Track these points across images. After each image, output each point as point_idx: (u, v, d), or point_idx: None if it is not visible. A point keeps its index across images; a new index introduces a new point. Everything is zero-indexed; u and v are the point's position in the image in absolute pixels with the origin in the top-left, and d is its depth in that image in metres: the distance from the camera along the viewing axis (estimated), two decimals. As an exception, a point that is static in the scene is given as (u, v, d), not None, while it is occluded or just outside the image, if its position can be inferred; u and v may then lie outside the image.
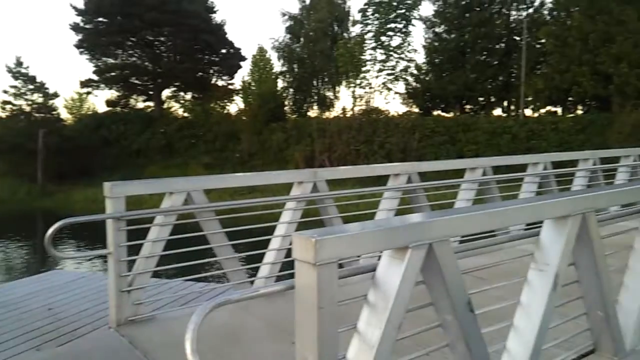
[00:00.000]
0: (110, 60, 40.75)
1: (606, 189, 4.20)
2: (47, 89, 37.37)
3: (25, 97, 36.72)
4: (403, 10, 35.22)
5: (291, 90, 40.47)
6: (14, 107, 36.38)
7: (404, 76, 36.92)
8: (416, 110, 38.26)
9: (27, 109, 36.66)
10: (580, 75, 28.97)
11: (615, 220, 4.71)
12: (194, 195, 4.95)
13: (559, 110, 35.57)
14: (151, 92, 41.88)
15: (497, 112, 38.49)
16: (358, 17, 36.60)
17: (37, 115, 36.41)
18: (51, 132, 34.15)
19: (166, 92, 43.08)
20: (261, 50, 39.06)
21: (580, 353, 3.55)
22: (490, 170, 7.25)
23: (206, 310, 2.11)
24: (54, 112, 38.07)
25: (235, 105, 42.80)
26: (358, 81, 35.17)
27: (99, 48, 39.69)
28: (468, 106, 38.06)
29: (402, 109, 41.04)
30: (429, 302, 2.59)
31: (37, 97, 37.00)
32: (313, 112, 40.41)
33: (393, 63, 35.91)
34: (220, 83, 43.59)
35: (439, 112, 38.16)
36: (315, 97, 40.98)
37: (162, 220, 4.77)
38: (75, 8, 38.98)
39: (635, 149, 10.48)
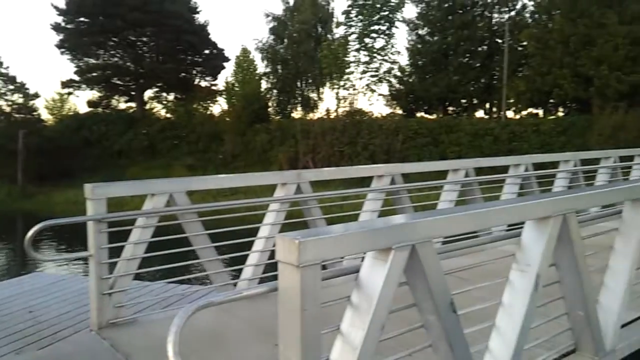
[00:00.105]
0: (92, 61, 40.35)
1: (587, 190, 4.25)
2: (27, 89, 36.97)
3: (5, 97, 36.32)
4: (386, 13, 35.41)
5: (275, 91, 40.40)
6: (-6, 108, 35.89)
7: (387, 78, 37.16)
8: (399, 111, 38.42)
9: (7, 109, 36.20)
10: (561, 78, 29.31)
11: (596, 221, 4.78)
12: (177, 196, 4.92)
13: (541, 112, 35.99)
14: (133, 93, 41.54)
15: (480, 114, 38.87)
16: (342, 18, 36.78)
17: (17, 115, 35.94)
18: (32, 132, 33.70)
19: (148, 93, 42.81)
20: (245, 51, 38.96)
21: (561, 353, 3.59)
22: (472, 171, 7.30)
23: (189, 312, 2.10)
24: (34, 113, 37.63)
25: (219, 106, 42.70)
26: (342, 83, 35.25)
27: (80, 48, 39.28)
28: (451, 108, 38.31)
29: (385, 110, 41.31)
30: (412, 303, 2.60)
31: (18, 98, 36.58)
32: (297, 114, 40.38)
33: (376, 65, 36.15)
34: (203, 84, 43.43)
35: (422, 113, 38.38)
36: (299, 99, 40.95)
37: (144, 222, 4.74)
38: (56, 8, 38.61)
39: (615, 150, 10.63)
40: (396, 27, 36.28)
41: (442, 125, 32.23)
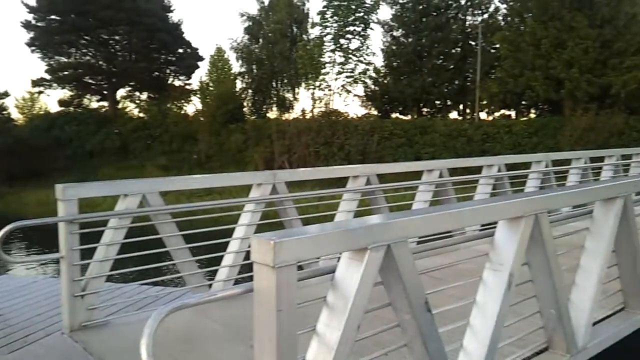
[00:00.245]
0: (63, 59, 39.67)
1: (558, 191, 4.32)
2: (-4, 88, 36.17)
3: (-26, 96, 35.45)
4: (361, 14, 35.56)
5: (250, 91, 40.23)
6: (-38, 107, 35.05)
7: (362, 79, 37.30)
8: (375, 112, 38.61)
9: (-24, 108, 35.40)
10: (533, 80, 29.76)
11: (567, 221, 4.86)
12: (150, 197, 4.86)
13: (513, 113, 36.50)
14: (105, 92, 40.96)
15: (453, 115, 39.24)
16: (317, 19, 36.80)
17: (-14, 115, 35.18)
18: (1, 132, 32.98)
19: (121, 92, 42.28)
20: (219, 51, 38.74)
21: (534, 351, 3.64)
22: (446, 172, 7.37)
23: (162, 314, 2.08)
24: (4, 112, 36.86)
25: (193, 106, 42.33)
26: (317, 83, 35.29)
27: (51, 46, 38.59)
28: (425, 109, 38.61)
29: (361, 111, 41.44)
30: (388, 302, 2.61)
31: (-14, 97, 35.76)
32: (272, 114, 40.29)
33: (352, 66, 36.30)
34: (177, 83, 43.02)
35: (397, 114, 38.60)
36: (275, 99, 40.84)
37: (117, 223, 4.67)
38: (27, 5, 37.84)
39: (586, 151, 10.84)
40: (371, 29, 36.55)
41: (417, 126, 32.50)
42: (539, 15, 29.80)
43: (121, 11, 36.20)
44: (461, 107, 39.54)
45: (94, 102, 41.88)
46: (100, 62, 39.84)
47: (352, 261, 2.35)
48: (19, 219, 4.28)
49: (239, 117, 36.52)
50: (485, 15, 37.94)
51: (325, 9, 35.60)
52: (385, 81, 37.88)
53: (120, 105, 42.06)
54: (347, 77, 36.30)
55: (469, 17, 38.09)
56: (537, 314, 3.62)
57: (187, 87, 42.94)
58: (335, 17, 35.36)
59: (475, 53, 35.19)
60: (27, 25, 38.29)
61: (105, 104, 41.40)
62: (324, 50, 35.22)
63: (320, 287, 2.46)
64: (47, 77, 39.94)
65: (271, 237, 2.04)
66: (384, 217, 3.28)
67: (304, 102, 53.35)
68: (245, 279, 5.14)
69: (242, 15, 41.55)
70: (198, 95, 39.82)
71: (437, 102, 38.24)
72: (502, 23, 35.99)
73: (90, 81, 40.56)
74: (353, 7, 35.13)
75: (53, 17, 37.99)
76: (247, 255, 5.16)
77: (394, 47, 37.54)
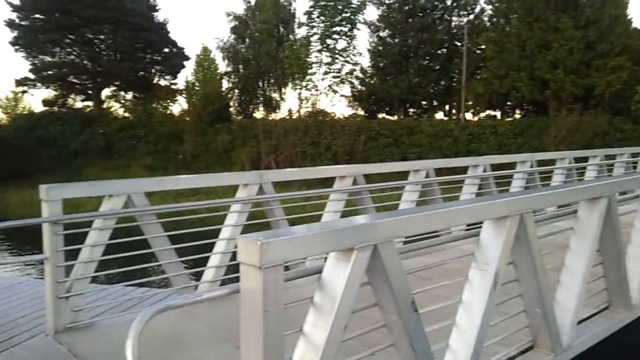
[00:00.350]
0: (48, 58, 39.28)
1: (543, 191, 4.35)
2: (-21, 87, 35.72)
3: (-44, 95, 34.98)
4: (348, 14, 35.58)
5: (236, 91, 40.09)
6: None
7: (349, 79, 37.35)
8: (361, 113, 38.71)
9: (-42, 108, 34.92)
10: (518, 81, 30.00)
11: (552, 221, 4.90)
12: (135, 197, 4.82)
13: (498, 114, 36.79)
14: (90, 92, 40.61)
15: (439, 115, 39.48)
16: (303, 19, 36.77)
17: (-32, 114, 34.72)
18: (-16, 132, 32.60)
19: (106, 92, 41.93)
20: (205, 50, 38.59)
21: (519, 350, 3.67)
22: (433, 172, 7.39)
23: (148, 316, 2.06)
24: (-13, 112, 36.42)
25: (179, 106, 42.12)
26: (304, 83, 35.26)
27: (35, 45, 38.19)
28: (412, 110, 38.77)
29: (347, 111, 41.49)
30: (374, 302, 2.62)
31: (-31, 96, 35.32)
32: (259, 114, 40.18)
33: (339, 66, 36.29)
34: (162, 83, 42.82)
35: (384, 115, 38.73)
36: (261, 99, 40.72)
37: (101, 224, 4.64)
38: (10, 4, 37.44)
39: (570, 152, 10.94)
40: (358, 29, 36.57)
41: (403, 127, 32.63)
42: (524, 16, 30.04)
43: (106, 10, 35.93)
44: (447, 107, 39.77)
45: (78, 102, 41.58)
46: (85, 62, 39.51)
47: (339, 261, 2.35)
48: (3, 219, 4.25)
49: (225, 117, 36.39)
50: (471, 16, 38.22)
51: (311, 9, 35.63)
52: (372, 81, 37.98)
53: (105, 105, 41.74)
54: (333, 77, 36.36)
55: (454, 18, 38.33)
56: (523, 313, 3.64)
57: (173, 86, 42.82)
58: (321, 17, 35.37)
59: (461, 54, 35.40)
60: (10, 24, 37.88)
61: (89, 103, 41.06)
62: (311, 50, 35.22)
63: (307, 287, 2.46)
64: (31, 76, 39.55)
65: (258, 238, 2.03)
66: (371, 217, 3.29)
67: (291, 102, 53.45)
68: (231, 279, 5.12)
69: (229, 14, 41.43)
70: (184, 95, 39.66)
71: (424, 102, 38.42)
72: (488, 24, 36.27)
73: (74, 81, 40.21)
74: (339, 7, 35.16)
75: (37, 16, 37.62)
76: (234, 256, 5.14)
77: (380, 48, 37.65)
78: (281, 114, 38.80)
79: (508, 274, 3.31)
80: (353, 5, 35.66)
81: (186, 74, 47.78)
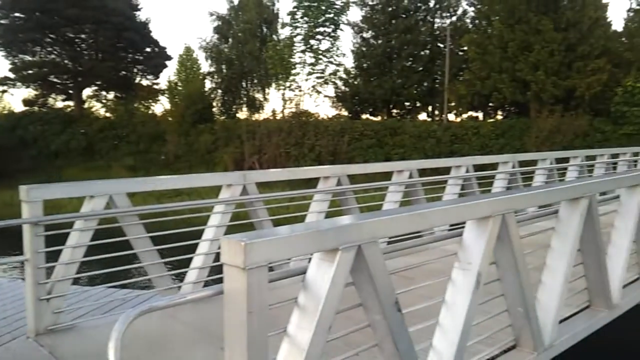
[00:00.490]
0: (28, 58, 38.72)
1: (524, 191, 4.40)
2: (-42, 86, 35.10)
3: None
4: (332, 15, 35.62)
5: (219, 91, 39.90)
6: None
7: (333, 80, 37.38)
8: (345, 113, 38.73)
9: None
10: (500, 82, 30.24)
11: (533, 221, 4.95)
12: (117, 198, 4.78)
13: (480, 115, 37.04)
14: (71, 91, 40.12)
15: (423, 116, 39.61)
16: (287, 19, 36.73)
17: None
18: (-37, 132, 32.07)
19: (87, 91, 41.40)
20: (188, 50, 38.36)
21: (502, 349, 3.70)
22: (416, 172, 7.43)
23: (130, 317, 2.04)
24: (-34, 111, 35.84)
25: (161, 106, 41.78)
26: (288, 84, 35.20)
27: (15, 44, 37.62)
28: (395, 110, 38.87)
29: (331, 112, 41.50)
30: (359, 303, 2.62)
31: (-53, 95, 34.70)
32: (242, 114, 40.01)
33: (322, 66, 36.31)
34: (144, 82, 42.40)
35: (368, 115, 38.79)
36: (245, 99, 40.60)
37: (83, 225, 4.59)
38: (-11, 3, 36.84)
39: (551, 152, 11.07)
40: (341, 30, 36.63)
41: (387, 127, 32.73)
42: (506, 18, 30.29)
43: (87, 9, 35.53)
44: (430, 108, 39.95)
45: (59, 102, 41.03)
46: (66, 61, 39.01)
47: (323, 262, 2.35)
48: (-18, 220, 4.16)
49: (208, 117, 36.19)
50: (454, 18, 38.44)
51: (295, 10, 35.60)
52: (356, 82, 38.03)
53: (86, 105, 41.24)
54: (317, 77, 36.36)
55: (437, 20, 38.52)
56: (505, 313, 3.67)
57: (155, 86, 42.44)
58: (305, 18, 35.37)
59: (443, 55, 35.61)
60: (-10, 22, 37.32)
61: (70, 103, 40.56)
62: (294, 51, 35.18)
63: (291, 288, 2.46)
64: (11, 75, 38.95)
65: (242, 239, 2.02)
66: (355, 217, 3.29)
67: (275, 102, 53.45)
68: (215, 281, 5.09)
69: (211, 14, 41.27)
70: (166, 95, 39.34)
71: (407, 103, 38.56)
72: (470, 26, 36.52)
73: (55, 80, 39.70)
74: (323, 8, 35.19)
75: (17, 14, 37.03)
76: (217, 257, 5.11)
77: (364, 49, 37.72)
78: (265, 114, 38.75)
79: (490, 274, 3.34)
80: (336, 6, 35.73)
81: (168, 74, 47.40)
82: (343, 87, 38.42)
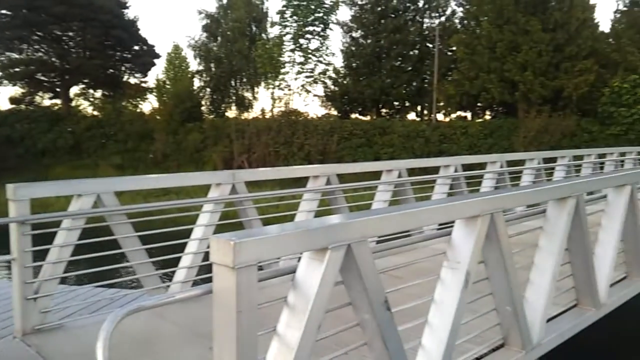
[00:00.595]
0: (15, 55, 38.30)
1: (513, 191, 4.42)
2: (-57, 84, 34.66)
3: None
4: (321, 14, 35.64)
5: (208, 89, 39.78)
6: None
7: (322, 79, 37.40)
8: (334, 113, 38.74)
9: None
10: (489, 82, 30.39)
11: (522, 220, 4.98)
12: (104, 197, 4.75)
13: (469, 115, 37.22)
14: (58, 89, 39.77)
15: (411, 116, 39.72)
16: (276, 18, 36.69)
17: None
18: (-52, 130, 31.68)
19: (74, 90, 41.06)
20: (176, 48, 38.20)
21: (490, 347, 3.71)
22: (405, 172, 7.45)
23: (118, 317, 2.02)
24: (-49, 109, 35.41)
25: (149, 104, 41.55)
26: (277, 82, 35.19)
27: (2, 42, 37.15)
28: (384, 110, 38.95)
29: (320, 111, 41.47)
30: (348, 302, 2.62)
31: None
32: (231, 113, 39.91)
33: (312, 66, 36.34)
34: (132, 81, 42.11)
35: (357, 115, 38.83)
36: (234, 98, 40.51)
37: (70, 224, 4.55)
38: (-25, 0, 36.41)
39: (539, 152, 11.14)
40: (330, 29, 36.70)
41: (376, 127, 32.79)
42: (495, 18, 30.44)
43: (75, 7, 35.24)
44: (419, 108, 40.06)
45: (46, 100, 40.66)
46: (53, 59, 38.68)
47: (312, 261, 2.35)
48: (-32, 219, 4.12)
49: (197, 115, 36.05)
50: (443, 18, 38.57)
51: (284, 9, 35.57)
52: (345, 82, 38.06)
53: (73, 103, 40.90)
54: (306, 77, 36.39)
55: (426, 20, 38.63)
56: (494, 311, 3.69)
57: (143, 84, 42.17)
58: (294, 17, 35.35)
59: (432, 55, 35.72)
60: (-24, 20, 36.90)
61: (58, 101, 40.20)
62: (284, 50, 35.15)
63: (281, 287, 2.45)
64: (-2, 73, 38.59)
65: (231, 238, 2.01)
66: (344, 217, 3.29)
67: (264, 101, 53.19)
68: (203, 280, 5.07)
69: (200, 12, 41.12)
70: (154, 94, 39.13)
71: (396, 103, 38.64)
72: (459, 26, 36.69)
73: (42, 78, 39.34)
74: (312, 7, 35.18)
75: (4, 12, 36.64)
76: (206, 256, 5.09)
77: (353, 48, 37.75)
78: (254, 113, 38.72)
79: (479, 273, 3.35)
80: (326, 6, 35.75)
81: (157, 72, 47.38)
82: (332, 87, 38.44)
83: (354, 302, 2.61)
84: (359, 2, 37.34)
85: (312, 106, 52.54)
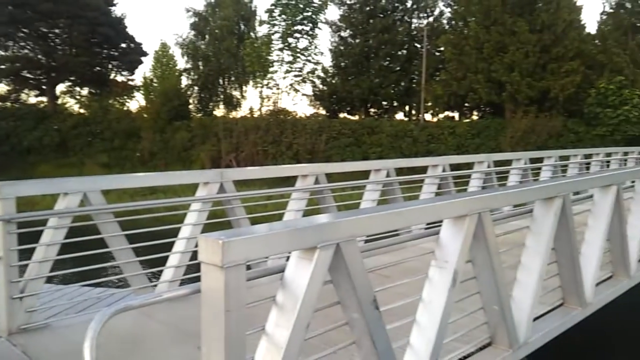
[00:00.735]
0: (0, 52, 37.92)
1: (500, 190, 4.44)
2: None
3: None
4: (309, 13, 35.57)
5: (196, 88, 39.64)
6: None
7: (311, 78, 37.36)
8: (323, 112, 38.77)
9: None
10: (476, 83, 30.58)
11: (509, 220, 5.01)
12: (91, 196, 4.72)
13: (456, 115, 37.43)
14: (44, 87, 39.43)
15: (400, 116, 39.88)
16: (265, 17, 36.58)
17: None
18: None
19: (61, 87, 40.72)
20: (164, 46, 38.01)
21: (477, 346, 3.73)
22: (393, 171, 7.46)
23: (106, 316, 2.01)
24: None
25: (136, 102, 41.34)
26: (265, 81, 35.10)
27: (-13, 39, 36.87)
28: (372, 110, 39.05)
29: (309, 110, 41.49)
30: (337, 301, 2.62)
31: None
32: (219, 111, 39.84)
33: (300, 65, 36.25)
34: (119, 78, 41.88)
35: (345, 114, 38.89)
36: (222, 96, 40.39)
37: (57, 223, 4.51)
38: (-41, -5, 35.95)
39: (525, 152, 11.22)
40: (319, 28, 36.61)
41: (364, 126, 32.87)
42: (482, 19, 30.62)
43: (61, 4, 34.93)
44: (407, 108, 40.21)
45: (32, 97, 40.28)
46: (39, 56, 38.33)
47: (301, 260, 2.35)
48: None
49: (185, 114, 35.89)
50: (431, 19, 38.77)
51: (273, 7, 35.46)
52: (333, 81, 38.11)
53: (59, 101, 40.54)
54: (295, 76, 36.31)
55: (414, 20, 38.79)
56: (481, 310, 3.71)
57: (130, 82, 41.94)
58: (283, 16, 35.25)
59: (420, 55, 35.86)
60: (-40, 16, 36.43)
61: (44, 99, 39.85)
62: (272, 49, 35.07)
63: (269, 286, 2.44)
64: (-17, 70, 38.16)
65: (219, 237, 2.00)
66: (333, 216, 3.30)
67: (252, 100, 53.12)
68: (190, 279, 5.05)
69: (188, 10, 40.96)
70: (141, 91, 38.92)
71: (384, 103, 38.75)
72: (447, 26, 36.85)
73: (28, 75, 38.97)
74: (301, 6, 35.12)
75: (-11, 8, 36.30)
76: (194, 255, 5.07)
77: (341, 48, 37.79)
78: (242, 112, 38.64)
79: (467, 272, 3.36)
80: (314, 5, 35.69)
81: (144, 70, 46.95)
82: (321, 86, 38.47)
83: (343, 301, 2.61)
84: (348, 2, 37.42)
85: (300, 105, 52.69)
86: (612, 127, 28.04)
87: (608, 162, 13.41)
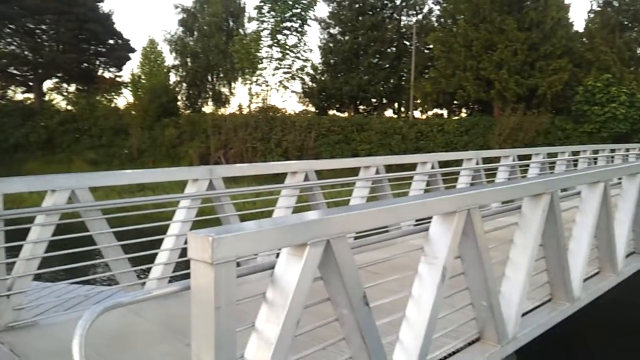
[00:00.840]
0: (-13, 49, 37.60)
1: (489, 187, 4.46)
2: None
3: None
4: (299, 10, 35.51)
5: (184, 84, 39.46)
6: None
7: (300, 75, 37.30)
8: (312, 109, 38.75)
9: None
10: (465, 80, 30.69)
11: (497, 216, 5.03)
12: (79, 193, 4.68)
13: (445, 112, 37.56)
14: (31, 83, 39.11)
15: (389, 113, 39.99)
16: (254, 13, 36.45)
17: None
18: None
19: (48, 84, 40.45)
20: (152, 42, 37.81)
21: (466, 341, 3.75)
22: (383, 168, 7.48)
23: (95, 314, 2.00)
24: None
25: (124, 99, 41.06)
26: (254, 78, 34.97)
27: (-27, 35, 36.48)
28: (362, 107, 39.10)
29: (298, 107, 41.43)
30: (327, 297, 2.62)
31: None
32: (208, 108, 39.68)
33: (289, 62, 36.16)
34: (107, 75, 41.59)
35: (334, 111, 38.91)
36: (210, 93, 40.24)
37: (44, 220, 4.47)
38: (-56, -10, 35.51)
39: (514, 149, 11.28)
40: (308, 25, 36.55)
41: (354, 124, 32.91)
42: (471, 17, 30.74)
43: (48, 0, 34.63)
44: (396, 105, 40.32)
45: (19, 94, 39.96)
46: (26, 52, 38.00)
47: (291, 257, 2.35)
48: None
49: (173, 111, 35.72)
50: (420, 16, 38.89)
51: (262, 4, 35.34)
52: (323, 78, 38.09)
53: (46, 98, 40.23)
54: (284, 73, 36.21)
55: (404, 18, 38.90)
56: (470, 306, 3.73)
57: (118, 79, 41.69)
58: (272, 13, 35.16)
59: (409, 53, 35.94)
60: (-55, 11, 35.98)
61: (31, 95, 39.51)
62: (261, 45, 34.95)
63: (260, 283, 2.44)
64: (-32, 67, 37.75)
65: (209, 234, 2.00)
66: (323, 212, 3.29)
67: (241, 97, 52.94)
68: (180, 277, 5.04)
69: (177, 7, 40.74)
70: (129, 88, 38.69)
71: (373, 100, 38.81)
72: (436, 24, 36.95)
73: (15, 72, 38.65)
74: (290, 2, 35.05)
75: (-26, 4, 35.89)
76: (183, 252, 5.06)
77: (331, 45, 37.78)
78: (231, 108, 38.52)
79: (455, 268, 3.38)
80: (304, 2, 35.61)
81: (132, 67, 46.66)
82: (310, 83, 38.43)
83: (333, 297, 2.61)
84: (337, -1, 37.38)
85: (289, 102, 52.56)
86: (600, 125, 28.27)
87: (595, 159, 13.53)
